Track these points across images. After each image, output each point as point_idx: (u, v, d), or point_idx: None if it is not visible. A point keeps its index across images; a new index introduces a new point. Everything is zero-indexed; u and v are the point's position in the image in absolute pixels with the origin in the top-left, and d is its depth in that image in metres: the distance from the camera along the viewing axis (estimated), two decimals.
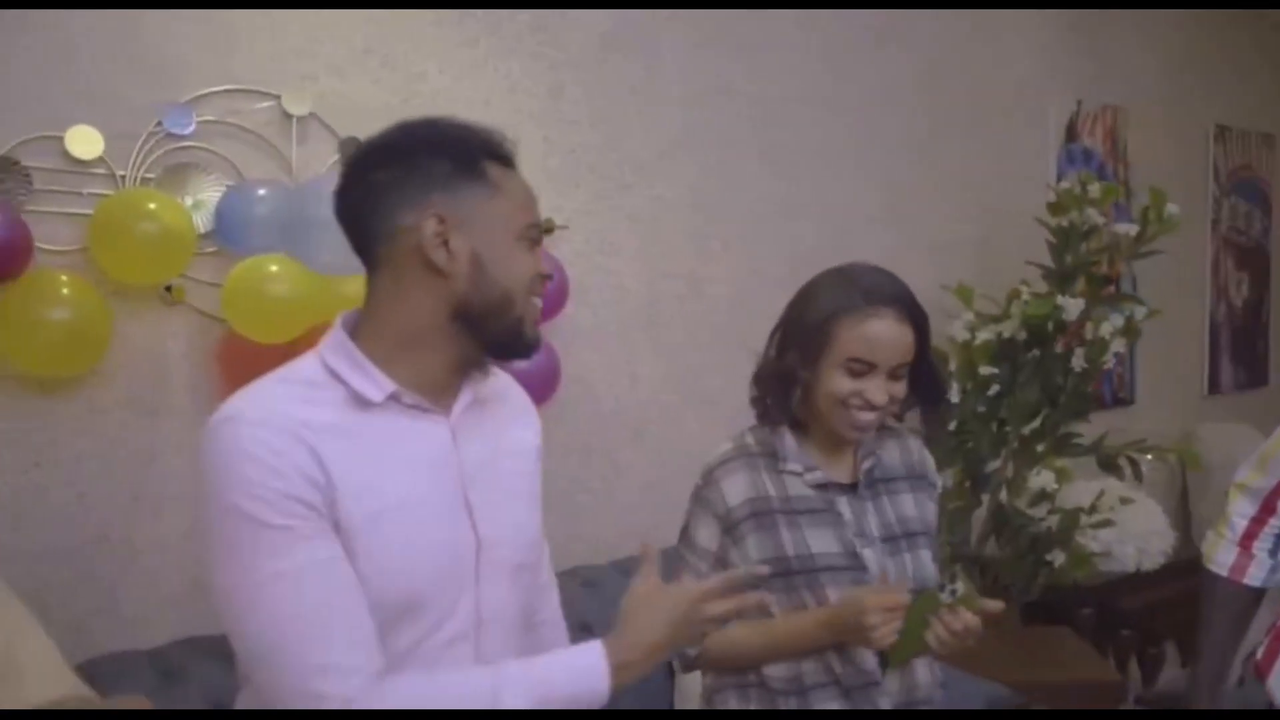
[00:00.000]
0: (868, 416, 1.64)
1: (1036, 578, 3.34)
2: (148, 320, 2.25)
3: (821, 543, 1.67)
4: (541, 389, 2.66)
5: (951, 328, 3.55)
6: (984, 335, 3.31)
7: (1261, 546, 1.80)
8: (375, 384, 1.25)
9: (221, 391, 2.29)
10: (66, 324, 2.05)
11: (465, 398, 1.33)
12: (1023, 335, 3.32)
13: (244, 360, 2.26)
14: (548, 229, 2.80)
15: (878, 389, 1.62)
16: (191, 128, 2.26)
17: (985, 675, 2.28)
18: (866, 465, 1.73)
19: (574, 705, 1.22)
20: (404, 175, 1.25)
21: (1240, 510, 1.84)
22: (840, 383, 1.64)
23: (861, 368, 1.63)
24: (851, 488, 1.72)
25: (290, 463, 1.16)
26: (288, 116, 2.39)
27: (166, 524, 2.29)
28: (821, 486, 1.70)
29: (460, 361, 1.32)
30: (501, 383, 1.43)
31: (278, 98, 2.38)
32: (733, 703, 1.71)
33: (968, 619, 1.56)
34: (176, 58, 2.28)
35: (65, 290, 2.06)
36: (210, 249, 2.28)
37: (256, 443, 1.16)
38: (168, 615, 2.28)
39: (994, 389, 3.32)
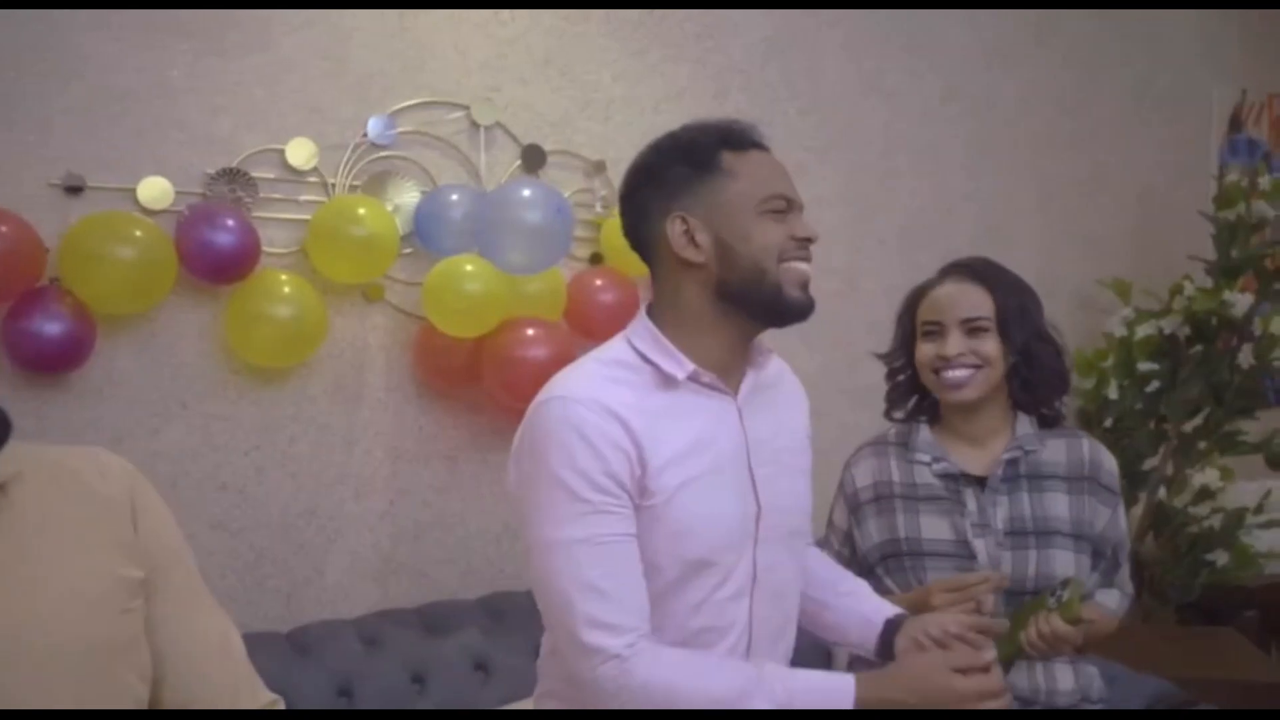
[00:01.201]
0: (954, 374, 1.75)
1: (1196, 577, 3.30)
2: (352, 316, 2.45)
3: (934, 529, 1.75)
4: None
5: (1108, 323, 3.52)
6: (1144, 330, 3.28)
7: None
8: (679, 364, 1.40)
9: (416, 381, 2.50)
10: (287, 320, 2.26)
11: (749, 381, 1.48)
12: (1185, 331, 3.27)
13: (436, 353, 2.45)
14: None
15: (952, 344, 1.74)
16: (392, 138, 2.46)
17: (1150, 671, 2.29)
18: (1008, 457, 1.78)
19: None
20: (653, 190, 1.42)
21: None
22: (923, 350, 1.79)
23: (933, 328, 1.78)
24: (982, 480, 1.78)
25: (610, 441, 1.31)
26: (476, 126, 2.57)
27: (365, 503, 2.49)
28: (949, 476, 1.77)
29: (738, 337, 1.47)
30: (777, 369, 1.56)
31: (467, 108, 2.55)
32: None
33: (1057, 626, 1.59)
34: (378, 74, 2.47)
35: (286, 289, 2.26)
36: (407, 250, 2.47)
37: (583, 421, 1.31)
38: (368, 588, 2.48)
39: (1153, 385, 3.29)
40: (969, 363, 1.76)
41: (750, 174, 1.42)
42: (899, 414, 1.94)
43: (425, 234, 2.42)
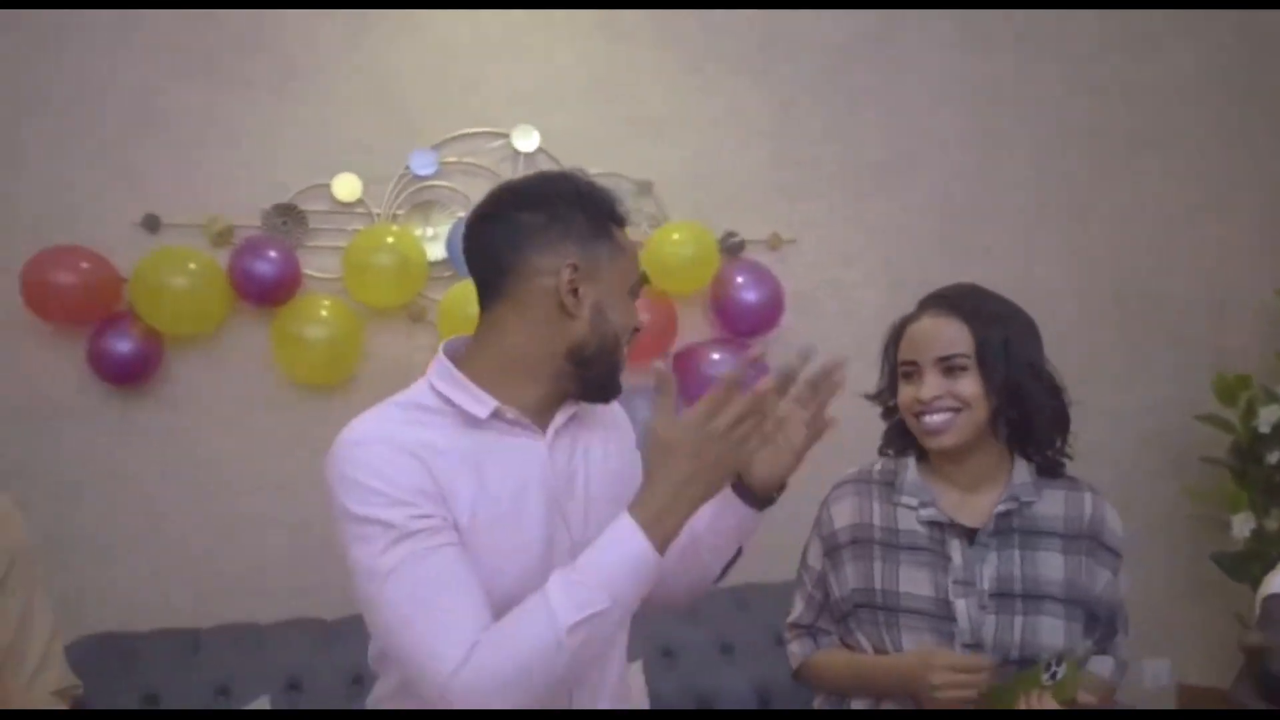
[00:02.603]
0: (932, 420, 1.55)
1: None
2: (399, 334, 2.65)
3: (913, 583, 1.57)
4: None
5: None
6: None
7: None
8: (481, 403, 1.39)
9: None
10: (324, 340, 2.49)
11: (560, 418, 1.47)
12: None
13: None
14: (774, 244, 2.85)
15: (928, 386, 1.55)
16: (433, 169, 2.63)
17: None
18: (1001, 509, 1.61)
19: (630, 581, 1.24)
20: (546, 221, 1.41)
21: None
22: (903, 393, 1.59)
23: (910, 368, 1.58)
24: (972, 532, 1.62)
25: (406, 471, 1.29)
26: (517, 153, 2.68)
27: None
28: (935, 525, 1.62)
29: (557, 395, 1.47)
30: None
31: (507, 136, 2.67)
32: None
33: (1049, 705, 1.42)
34: (423, 109, 2.65)
35: (324, 312, 2.50)
36: (447, 273, 2.63)
37: (376, 458, 1.30)
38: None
39: None
40: (946, 406, 1.58)
41: (630, 253, 1.43)
42: (891, 452, 1.80)
43: (458, 258, 2.57)
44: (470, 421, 1.40)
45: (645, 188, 2.75)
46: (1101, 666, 1.61)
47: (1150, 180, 3.14)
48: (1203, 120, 3.17)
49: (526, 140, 2.68)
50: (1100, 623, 1.60)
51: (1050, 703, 1.42)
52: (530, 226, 1.39)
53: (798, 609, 1.71)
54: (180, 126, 2.53)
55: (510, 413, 1.41)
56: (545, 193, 1.43)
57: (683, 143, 2.81)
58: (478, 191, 2.64)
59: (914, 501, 1.61)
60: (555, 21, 2.73)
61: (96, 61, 2.49)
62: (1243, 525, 2.89)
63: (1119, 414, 3.15)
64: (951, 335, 1.55)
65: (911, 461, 1.65)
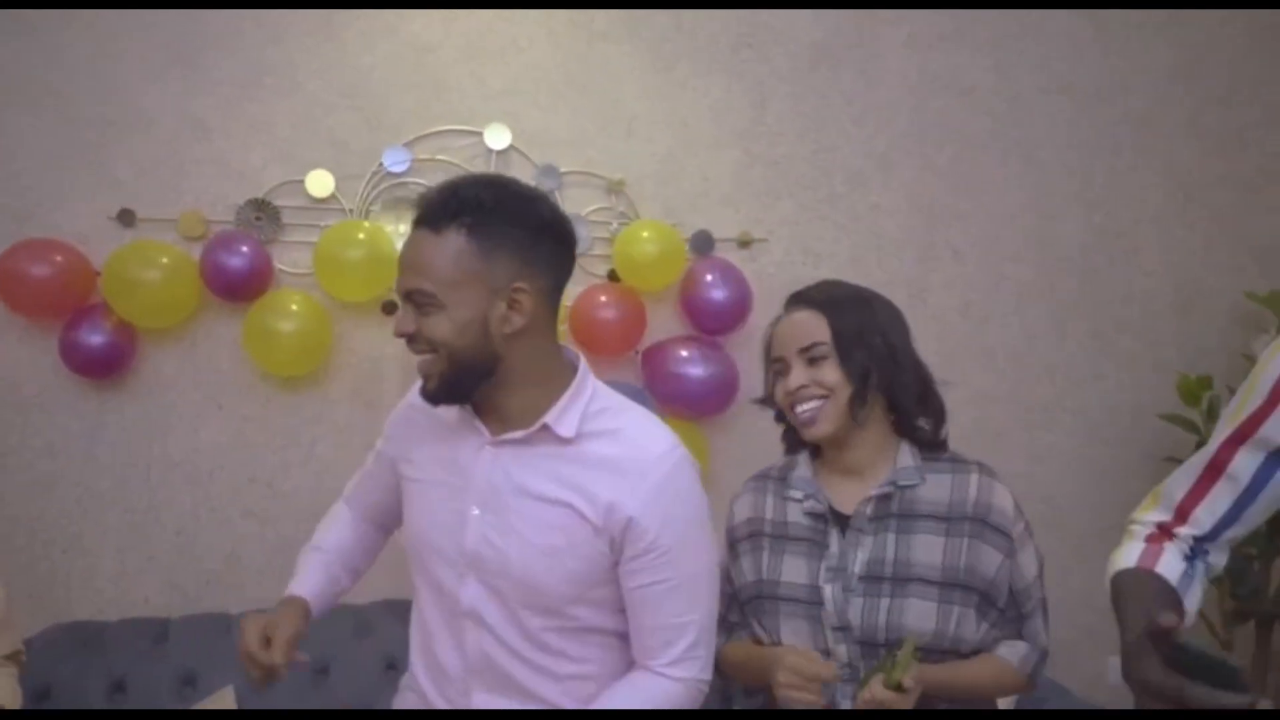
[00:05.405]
0: (802, 409, 1.65)
1: None
2: (370, 329, 2.69)
3: (792, 572, 1.64)
4: (715, 400, 2.75)
5: (1254, 343, 3.07)
6: None
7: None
8: None
9: None
10: (294, 334, 2.52)
11: (515, 434, 1.48)
12: None
13: None
14: (744, 243, 2.88)
15: (794, 376, 1.65)
16: (406, 165, 2.66)
17: None
18: (877, 493, 1.64)
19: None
20: (522, 243, 1.49)
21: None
22: (776, 390, 1.70)
23: (779, 365, 1.68)
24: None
25: (391, 421, 1.69)
26: (490, 150, 2.71)
27: None
28: (817, 515, 1.67)
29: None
30: (622, 449, 1.47)
31: (480, 134, 2.70)
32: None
33: (876, 692, 1.47)
34: (396, 107, 2.68)
35: (295, 307, 2.54)
36: None
37: (405, 399, 1.68)
38: (381, 577, 2.70)
39: None
40: (813, 394, 1.65)
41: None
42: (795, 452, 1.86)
43: None
44: None
45: (616, 186, 2.78)
46: (1010, 652, 1.64)
47: (1120, 181, 3.16)
48: (1173, 121, 3.20)
49: (498, 138, 2.71)
50: (997, 607, 1.62)
51: (879, 690, 1.47)
52: (501, 240, 1.47)
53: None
54: (156, 122, 2.56)
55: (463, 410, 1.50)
56: (526, 216, 1.53)
57: (654, 141, 2.83)
58: None
59: (799, 495, 1.68)
60: (528, 19, 2.76)
61: (73, 57, 2.52)
62: None
63: (1086, 413, 3.18)
64: (810, 327, 1.65)
65: (804, 457, 1.74)
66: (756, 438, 2.93)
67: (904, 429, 1.69)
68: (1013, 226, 3.10)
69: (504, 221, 1.41)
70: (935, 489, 1.64)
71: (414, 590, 1.63)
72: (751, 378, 2.84)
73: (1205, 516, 1.39)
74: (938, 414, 1.71)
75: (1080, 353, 3.17)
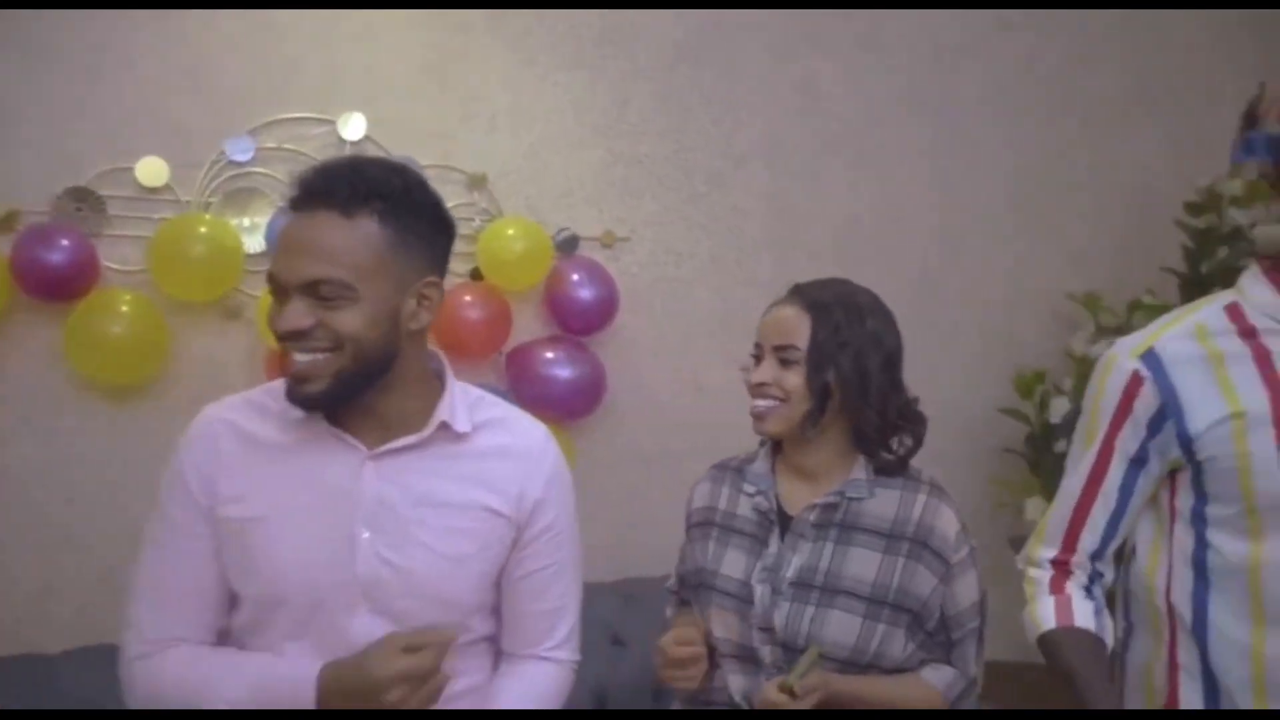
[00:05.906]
0: (757, 404, 1.63)
1: None
2: (210, 333, 2.46)
3: (731, 566, 1.63)
4: (584, 400, 2.69)
5: (1072, 340, 3.28)
6: (1099, 349, 3.02)
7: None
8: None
9: None
10: (126, 338, 2.27)
11: (408, 440, 1.37)
12: None
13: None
14: (607, 242, 2.83)
15: (761, 371, 1.63)
16: (251, 155, 2.45)
17: None
18: (822, 502, 1.63)
19: (278, 705, 1.29)
20: (431, 241, 1.39)
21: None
22: (750, 373, 1.67)
23: (757, 352, 1.66)
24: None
25: (193, 459, 1.35)
26: (343, 140, 2.54)
27: None
28: (764, 512, 1.64)
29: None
30: (514, 437, 1.46)
31: (333, 123, 2.53)
32: None
33: (769, 694, 1.49)
34: (239, 90, 2.47)
35: (125, 308, 2.28)
36: (265, 267, 2.45)
37: (188, 436, 1.38)
38: None
39: None
40: (772, 394, 1.61)
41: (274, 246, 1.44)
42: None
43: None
44: (298, 422, 1.39)
45: (479, 181, 2.67)
46: (935, 676, 1.65)
47: (956, 187, 3.31)
48: (1001, 133, 3.37)
49: (353, 127, 2.54)
50: (926, 630, 1.63)
51: (771, 692, 1.49)
52: (414, 237, 1.38)
53: (672, 577, 1.81)
54: None
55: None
56: (428, 207, 1.41)
57: (517, 136, 2.74)
58: None
59: (752, 489, 1.66)
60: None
61: None
62: (1034, 510, 3.10)
63: (930, 407, 3.30)
64: (791, 326, 1.62)
65: (765, 450, 1.70)
66: (624, 440, 2.89)
67: (862, 445, 1.68)
68: (860, 230, 3.19)
69: (412, 211, 1.33)
70: (882, 504, 1.63)
71: (241, 652, 1.37)
72: (618, 378, 2.81)
73: (1089, 539, 1.54)
74: (912, 441, 1.70)
75: (925, 350, 3.28)
